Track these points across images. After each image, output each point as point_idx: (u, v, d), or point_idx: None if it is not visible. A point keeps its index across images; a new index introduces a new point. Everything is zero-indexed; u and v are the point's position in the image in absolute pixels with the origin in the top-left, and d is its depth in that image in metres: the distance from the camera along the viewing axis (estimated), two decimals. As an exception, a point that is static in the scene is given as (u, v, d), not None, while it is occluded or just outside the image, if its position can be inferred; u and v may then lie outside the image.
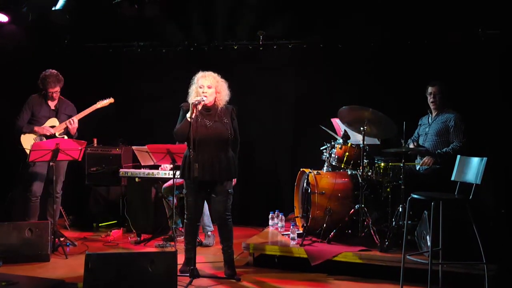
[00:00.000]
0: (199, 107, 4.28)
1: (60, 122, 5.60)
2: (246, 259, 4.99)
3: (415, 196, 4.17)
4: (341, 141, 5.17)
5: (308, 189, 5.16)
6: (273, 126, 6.65)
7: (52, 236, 5.12)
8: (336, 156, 5.17)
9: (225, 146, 4.40)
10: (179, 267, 4.11)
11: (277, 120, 6.64)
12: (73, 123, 5.56)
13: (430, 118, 5.32)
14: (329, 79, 6.34)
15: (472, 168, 4.19)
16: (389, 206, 4.92)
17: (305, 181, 5.29)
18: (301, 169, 5.36)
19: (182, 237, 5.21)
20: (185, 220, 4.52)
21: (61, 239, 5.40)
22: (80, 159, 5.44)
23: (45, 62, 5.89)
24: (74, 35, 6.94)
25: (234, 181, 4.56)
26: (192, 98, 4.37)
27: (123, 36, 6.94)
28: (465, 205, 4.06)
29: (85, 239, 5.89)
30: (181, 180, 5.15)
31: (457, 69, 5.74)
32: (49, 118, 5.61)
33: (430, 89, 5.23)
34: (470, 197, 4.07)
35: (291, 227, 5.00)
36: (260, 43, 6.48)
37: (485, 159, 4.11)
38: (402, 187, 4.70)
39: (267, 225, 5.66)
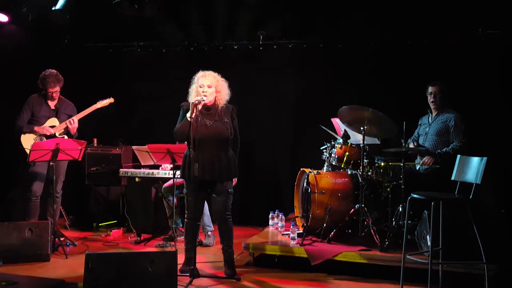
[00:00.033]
0: (199, 107, 4.28)
1: (60, 122, 5.60)
2: (246, 259, 4.99)
3: (415, 196, 4.17)
4: (341, 141, 5.17)
5: (308, 189, 5.16)
6: (273, 126, 6.65)
7: (52, 236, 5.12)
8: (336, 156, 5.17)
9: (225, 146, 4.40)
10: (179, 267, 4.11)
11: (277, 120, 6.64)
12: (73, 123, 5.56)
13: (430, 118, 5.32)
14: (329, 79, 6.34)
15: (472, 168, 4.19)
16: (389, 206, 4.92)
17: (305, 180, 5.29)
18: (301, 169, 5.36)
19: (182, 237, 5.22)
20: (185, 220, 4.52)
21: (61, 239, 5.40)
22: (80, 159, 5.43)
23: (45, 62, 5.89)
24: (74, 35, 6.94)
25: (235, 181, 4.56)
26: (192, 98, 4.37)
27: (123, 36, 6.94)
28: (465, 205, 4.06)
29: (85, 239, 5.89)
30: (181, 180, 5.15)
31: (457, 69, 5.74)
32: (49, 118, 5.61)
33: (430, 89, 5.23)
34: (470, 197, 4.07)
35: (291, 227, 5.00)
36: (260, 43, 6.48)
37: (485, 159, 4.11)
38: (402, 187, 4.70)
39: (267, 225, 5.66)
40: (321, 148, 5.48)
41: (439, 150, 5.04)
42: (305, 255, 4.68)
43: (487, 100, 5.68)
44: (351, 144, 5.14)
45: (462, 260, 4.18)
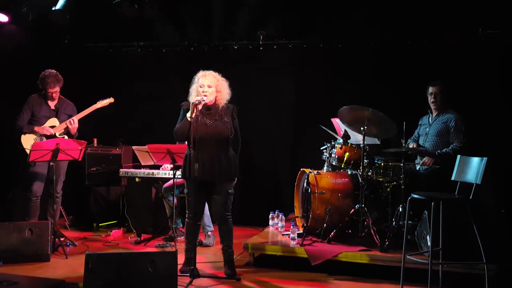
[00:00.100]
0: (200, 107, 4.29)
1: (60, 122, 5.60)
2: (246, 259, 4.99)
3: (415, 196, 4.17)
4: (341, 141, 5.17)
5: (308, 189, 5.16)
6: (273, 126, 6.64)
7: (52, 236, 5.12)
8: (336, 156, 5.16)
9: (225, 145, 4.40)
10: (179, 267, 4.11)
11: (277, 120, 6.64)
12: (73, 123, 5.56)
13: (430, 118, 5.32)
14: (329, 79, 6.34)
15: (472, 168, 4.19)
16: (389, 206, 4.93)
17: (305, 181, 5.29)
18: (301, 169, 5.36)
19: (182, 237, 5.22)
20: (186, 220, 4.52)
21: (61, 239, 5.40)
22: (80, 159, 5.43)
23: (45, 62, 5.88)
24: (74, 35, 6.94)
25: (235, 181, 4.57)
26: (192, 98, 4.37)
27: (123, 36, 6.93)
28: (465, 205, 4.06)
29: (85, 239, 5.89)
30: (181, 180, 5.15)
31: (457, 69, 5.74)
32: (49, 118, 5.60)
33: (431, 89, 5.23)
34: (470, 197, 4.07)
35: (291, 227, 5.00)
36: (260, 43, 6.48)
37: (485, 159, 4.11)
38: (402, 187, 4.71)
39: (267, 225, 5.66)
40: (321, 148, 5.48)
41: (439, 151, 5.04)
42: (305, 255, 4.68)
43: (487, 100, 5.68)
44: (351, 144, 5.14)
45: (462, 260, 4.18)
